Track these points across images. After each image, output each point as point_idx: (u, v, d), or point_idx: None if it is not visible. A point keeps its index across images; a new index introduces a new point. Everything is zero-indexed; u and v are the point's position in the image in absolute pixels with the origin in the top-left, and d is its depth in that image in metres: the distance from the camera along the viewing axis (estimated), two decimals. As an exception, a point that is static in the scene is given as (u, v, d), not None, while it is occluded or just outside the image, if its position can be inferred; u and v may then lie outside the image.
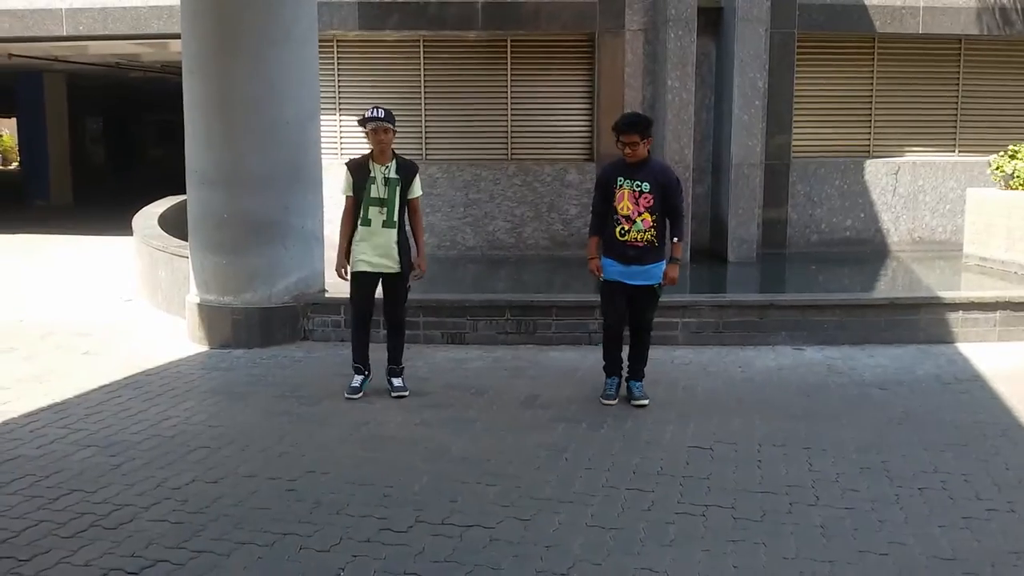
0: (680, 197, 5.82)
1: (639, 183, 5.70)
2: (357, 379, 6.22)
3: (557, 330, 7.70)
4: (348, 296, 6.27)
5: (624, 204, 5.73)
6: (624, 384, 6.08)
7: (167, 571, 3.67)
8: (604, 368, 6.12)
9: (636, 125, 5.63)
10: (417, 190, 6.11)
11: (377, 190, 5.93)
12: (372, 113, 5.88)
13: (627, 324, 6.03)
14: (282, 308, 7.74)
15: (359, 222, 5.97)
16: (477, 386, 6.47)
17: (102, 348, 7.62)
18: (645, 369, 6.08)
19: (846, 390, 6.35)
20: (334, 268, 6.18)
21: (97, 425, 5.56)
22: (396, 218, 5.97)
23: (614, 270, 5.83)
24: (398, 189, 5.97)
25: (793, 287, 10.53)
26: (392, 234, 5.98)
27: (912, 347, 7.52)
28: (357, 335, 6.25)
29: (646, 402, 5.89)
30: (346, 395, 6.13)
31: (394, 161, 6.02)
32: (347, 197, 6.03)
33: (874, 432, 5.41)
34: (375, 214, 5.95)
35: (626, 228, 5.74)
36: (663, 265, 5.83)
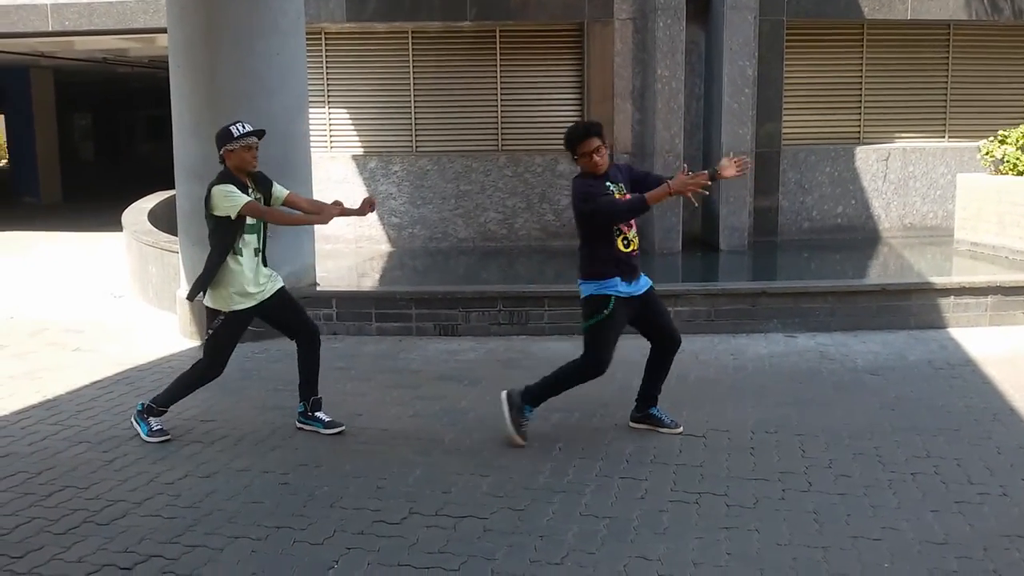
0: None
1: (620, 185, 5.09)
2: (158, 424, 5.24)
3: (549, 320, 7.70)
4: (223, 334, 5.16)
5: None
6: (647, 413, 5.34)
7: (160, 566, 3.66)
8: (535, 399, 5.18)
9: (592, 128, 5.02)
10: (282, 190, 5.38)
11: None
12: (244, 129, 5.07)
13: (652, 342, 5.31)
14: (273, 302, 7.71)
15: (228, 252, 5.04)
16: (470, 377, 6.47)
17: (93, 344, 7.60)
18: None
19: (838, 376, 6.36)
20: (332, 213, 5.21)
21: (89, 421, 5.54)
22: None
23: (622, 288, 5.02)
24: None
25: (785, 274, 10.55)
26: (260, 258, 5.23)
27: (904, 333, 7.54)
28: (310, 364, 5.41)
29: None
30: (152, 438, 5.17)
31: (251, 178, 5.20)
32: (247, 204, 5.01)
33: (866, 418, 5.42)
34: (248, 243, 5.11)
35: (629, 237, 5.05)
36: None
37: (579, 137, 5.00)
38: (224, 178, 5.09)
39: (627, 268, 5.03)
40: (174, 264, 8.29)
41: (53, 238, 14.92)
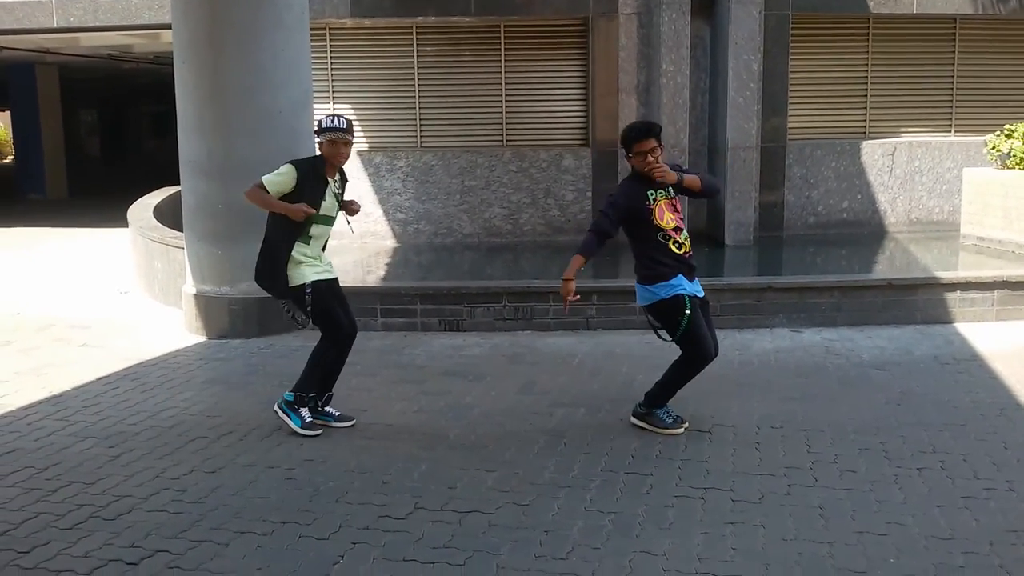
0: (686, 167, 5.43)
1: (665, 190, 5.03)
2: (309, 415, 5.26)
3: (555, 316, 7.69)
4: (319, 305, 5.14)
5: (667, 218, 4.97)
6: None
7: (166, 561, 3.67)
8: (663, 399, 5.18)
9: (652, 129, 4.98)
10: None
11: (327, 207, 5.20)
12: (329, 123, 5.11)
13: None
14: (279, 298, 7.72)
15: (297, 238, 5.11)
16: (475, 373, 6.47)
17: (99, 340, 7.61)
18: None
19: (844, 371, 6.35)
20: (299, 210, 5.03)
21: (95, 417, 5.55)
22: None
23: (687, 287, 5.01)
24: (339, 204, 5.36)
25: (790, 269, 10.53)
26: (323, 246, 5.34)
27: (910, 328, 7.52)
28: (335, 362, 5.34)
29: None
30: (306, 431, 5.16)
31: (338, 173, 5.32)
32: (264, 190, 5.05)
33: (872, 413, 5.41)
34: (319, 234, 5.21)
35: (680, 241, 4.99)
36: None
37: (636, 136, 4.96)
38: (307, 161, 5.24)
39: (687, 270, 5.03)
40: (180, 260, 8.30)
41: (59, 234, 14.94)
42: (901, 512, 4.04)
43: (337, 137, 5.10)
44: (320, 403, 5.36)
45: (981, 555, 3.64)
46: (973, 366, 6.43)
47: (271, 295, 5.34)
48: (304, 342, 7.41)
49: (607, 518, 4.02)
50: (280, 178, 5.08)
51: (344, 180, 5.42)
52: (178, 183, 8.23)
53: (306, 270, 5.14)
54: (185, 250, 7.97)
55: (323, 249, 5.33)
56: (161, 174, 15.10)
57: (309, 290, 5.11)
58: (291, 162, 5.20)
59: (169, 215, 10.58)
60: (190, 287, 7.85)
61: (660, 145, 5.00)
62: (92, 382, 6.34)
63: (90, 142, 26.44)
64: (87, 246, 13.51)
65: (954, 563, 3.58)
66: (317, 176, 5.14)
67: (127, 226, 10.61)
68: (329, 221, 5.26)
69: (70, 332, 7.93)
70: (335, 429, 5.26)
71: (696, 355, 5.03)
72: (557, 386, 6.10)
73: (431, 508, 4.14)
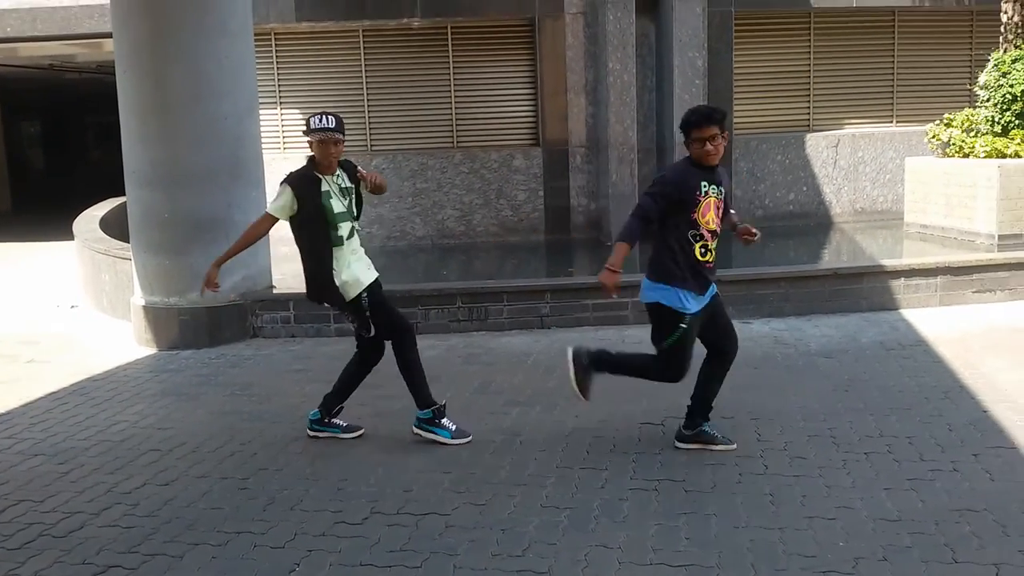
0: None
1: (719, 188, 4.63)
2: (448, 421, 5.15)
3: (509, 315, 7.72)
4: (364, 318, 5.10)
5: (711, 216, 4.60)
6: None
7: (119, 576, 3.63)
8: (700, 413, 4.87)
9: (713, 115, 4.57)
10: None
11: (337, 205, 4.96)
12: (319, 123, 4.86)
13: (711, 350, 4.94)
14: (229, 306, 7.66)
15: (324, 247, 4.96)
16: (430, 375, 6.33)
17: (47, 355, 7.49)
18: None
19: (792, 360, 6.45)
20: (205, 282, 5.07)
21: (43, 433, 5.47)
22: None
23: (696, 306, 4.66)
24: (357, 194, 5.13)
25: (738, 262, 10.62)
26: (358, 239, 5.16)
27: (856, 315, 7.66)
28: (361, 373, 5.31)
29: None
30: (457, 440, 5.04)
31: (340, 168, 5.04)
32: (273, 218, 5.01)
33: (820, 400, 5.51)
34: (345, 232, 5.00)
35: (710, 246, 4.62)
36: None
37: (697, 122, 4.59)
38: (298, 172, 4.95)
39: (702, 283, 4.66)
40: (127, 271, 8.19)
41: (2, 249, 14.64)
42: (850, 496, 4.12)
43: (326, 137, 4.83)
44: (330, 415, 5.22)
45: (927, 535, 3.72)
46: (918, 351, 6.57)
47: (334, 307, 5.22)
48: (256, 351, 7.36)
49: (563, 514, 4.05)
50: (281, 201, 4.90)
51: (353, 170, 5.06)
52: (124, 194, 8.12)
53: (349, 288, 4.99)
54: (132, 261, 7.87)
55: (359, 244, 5.11)
56: (107, 185, 14.85)
57: (365, 296, 5.00)
58: (283, 181, 4.96)
59: (115, 226, 10.42)
60: (138, 299, 7.75)
61: (723, 134, 4.60)
62: (40, 398, 6.23)
63: (34, 154, 25.92)
64: (33, 260, 13.25)
65: (901, 544, 3.66)
66: (310, 180, 4.90)
67: (73, 239, 10.44)
68: (346, 217, 4.98)
69: (17, 348, 7.79)
70: (292, 438, 5.23)
71: (666, 371, 4.80)
72: (512, 385, 6.13)
73: (387, 512, 4.14)
